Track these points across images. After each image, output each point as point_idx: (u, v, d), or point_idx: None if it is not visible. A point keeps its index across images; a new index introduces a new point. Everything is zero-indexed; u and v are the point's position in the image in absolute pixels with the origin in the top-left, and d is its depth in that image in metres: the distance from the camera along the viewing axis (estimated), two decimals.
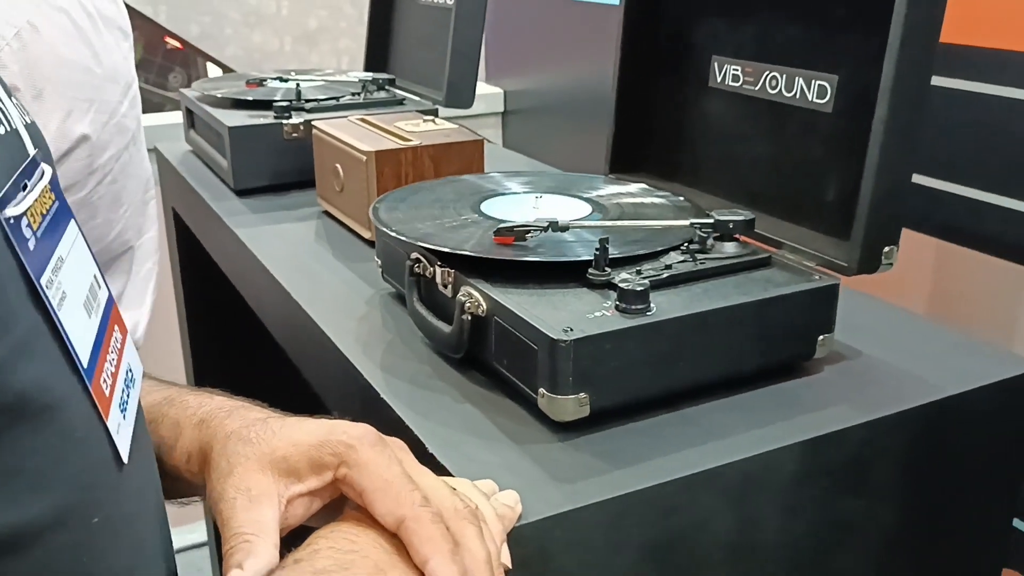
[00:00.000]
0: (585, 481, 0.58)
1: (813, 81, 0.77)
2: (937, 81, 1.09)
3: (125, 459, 0.40)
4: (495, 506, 0.52)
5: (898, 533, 0.72)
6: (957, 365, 0.73)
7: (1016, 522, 1.11)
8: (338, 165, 1.03)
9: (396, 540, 0.46)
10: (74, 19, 0.85)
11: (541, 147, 1.97)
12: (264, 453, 0.49)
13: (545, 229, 0.72)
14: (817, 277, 0.71)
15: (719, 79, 0.87)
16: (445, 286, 0.72)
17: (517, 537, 0.53)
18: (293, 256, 0.98)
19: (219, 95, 1.29)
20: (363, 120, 1.11)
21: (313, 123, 1.11)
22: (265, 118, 1.19)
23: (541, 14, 1.98)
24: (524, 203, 0.83)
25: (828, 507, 0.67)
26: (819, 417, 0.66)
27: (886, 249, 0.71)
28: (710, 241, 0.73)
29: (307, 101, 1.25)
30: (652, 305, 0.64)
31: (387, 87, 1.36)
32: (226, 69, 2.69)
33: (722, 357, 0.67)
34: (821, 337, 0.71)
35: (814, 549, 0.68)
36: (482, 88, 2.12)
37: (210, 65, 2.77)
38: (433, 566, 0.44)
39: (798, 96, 0.79)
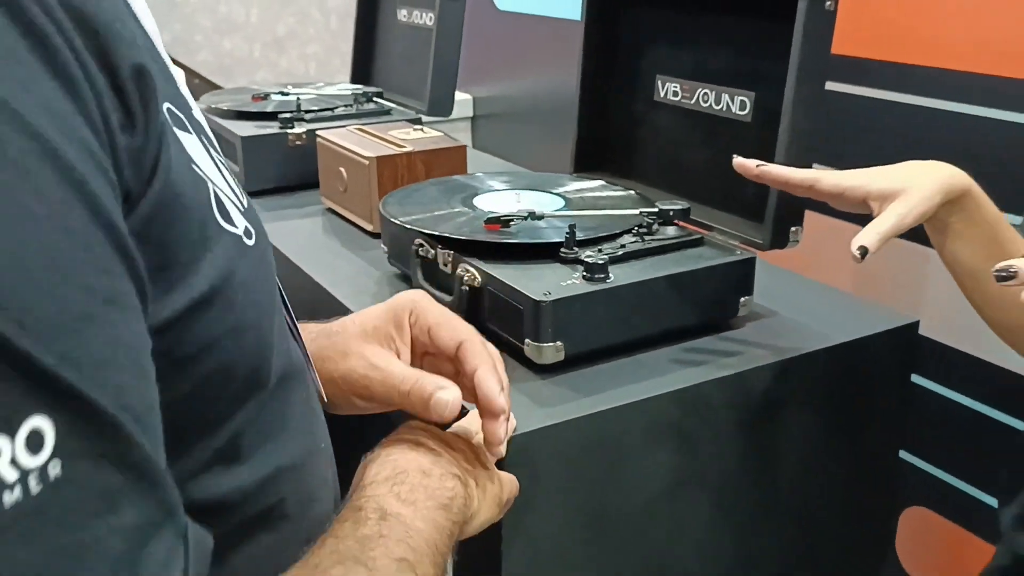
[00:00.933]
0: (561, 406, 0.77)
1: (736, 97, 0.97)
2: (844, 88, 1.29)
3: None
4: (500, 423, 0.70)
5: (807, 459, 0.91)
6: (850, 320, 0.93)
7: (921, 463, 1.31)
8: (342, 169, 1.21)
9: (429, 449, 0.57)
10: None
11: (507, 149, 2.15)
12: (358, 333, 0.60)
13: (525, 218, 0.91)
14: (738, 252, 0.91)
15: (663, 94, 1.06)
16: (445, 264, 0.90)
17: (512, 445, 0.72)
18: (308, 246, 1.15)
19: (224, 107, 1.45)
20: (360, 129, 1.28)
21: (317, 132, 1.28)
22: (271, 128, 1.36)
23: (507, 27, 2.16)
24: (507, 198, 1.02)
25: (746, 431, 0.86)
26: (739, 359, 0.85)
27: (792, 229, 0.91)
28: (655, 226, 0.92)
29: (306, 112, 1.42)
30: (611, 275, 0.83)
31: (375, 99, 1.53)
32: (197, 75, 2.80)
33: (665, 315, 0.86)
34: (743, 299, 0.91)
35: (739, 467, 0.87)
36: (456, 95, 2.29)
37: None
38: (481, 373, 0.58)
39: (724, 109, 0.98)
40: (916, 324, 0.95)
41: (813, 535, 0.96)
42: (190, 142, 0.37)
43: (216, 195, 0.38)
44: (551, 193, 1.04)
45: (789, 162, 0.87)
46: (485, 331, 0.88)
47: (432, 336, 0.60)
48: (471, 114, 2.36)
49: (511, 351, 0.84)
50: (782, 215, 0.90)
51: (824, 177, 0.77)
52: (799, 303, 0.97)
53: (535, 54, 2.07)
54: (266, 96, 1.50)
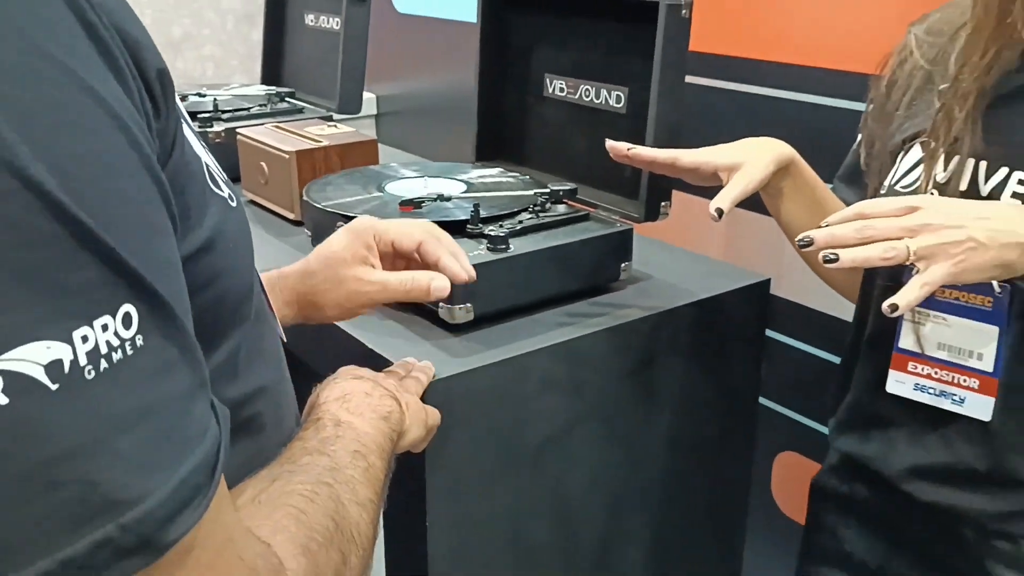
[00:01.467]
0: (471, 357, 0.91)
1: (612, 92, 1.12)
2: (706, 81, 1.47)
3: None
4: (423, 368, 0.84)
5: (679, 400, 1.08)
6: (713, 280, 1.10)
7: (787, 411, 1.50)
8: (263, 163, 1.31)
9: (368, 379, 0.71)
10: None
11: (410, 143, 2.27)
12: (340, 262, 0.77)
13: (435, 200, 1.04)
14: (618, 225, 1.06)
15: (550, 90, 1.21)
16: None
17: (432, 390, 0.85)
18: None
19: None
20: (277, 127, 1.39)
21: (238, 130, 1.38)
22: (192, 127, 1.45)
23: (406, 29, 2.28)
24: (416, 184, 1.15)
25: (627, 376, 1.02)
26: (621, 315, 1.01)
27: (663, 204, 1.07)
28: (548, 204, 1.07)
29: (224, 112, 1.52)
30: (511, 246, 0.97)
31: (287, 99, 1.64)
32: None
33: (558, 279, 1.01)
34: (623, 265, 1.06)
35: (622, 409, 1.03)
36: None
37: None
38: (443, 261, 0.76)
39: (603, 102, 1.14)
40: (767, 282, 1.12)
41: (688, 468, 1.12)
42: (186, 128, 0.49)
43: (207, 167, 0.50)
44: (455, 179, 1.17)
45: (657, 146, 1.03)
46: (403, 303, 1.01)
47: (396, 247, 0.78)
48: (375, 111, 2.47)
49: (428, 315, 0.98)
50: (653, 193, 1.05)
51: (682, 155, 0.92)
52: (671, 268, 1.14)
53: (433, 54, 2.20)
54: (184, 98, 1.59)
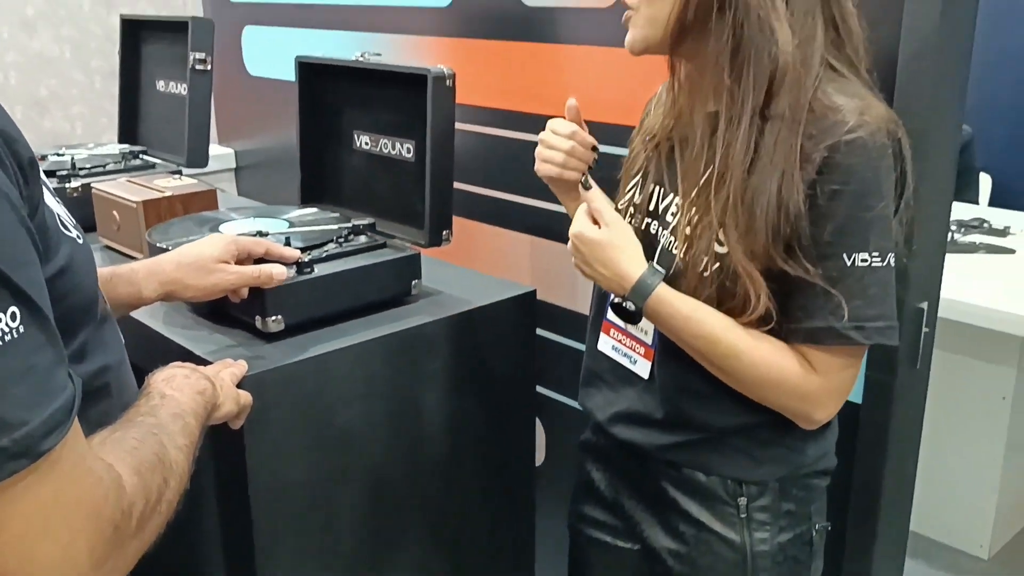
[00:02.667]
0: (280, 357, 1.14)
1: (404, 144, 1.39)
2: (501, 132, 1.76)
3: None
4: (237, 364, 1.07)
5: (465, 390, 1.33)
6: (490, 291, 1.37)
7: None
8: (115, 212, 1.52)
9: (189, 368, 0.95)
10: None
11: (266, 191, 2.49)
12: (211, 257, 1.12)
13: (255, 235, 1.28)
14: (408, 250, 1.32)
15: (358, 144, 1.47)
16: None
17: (247, 382, 1.08)
18: None
19: None
20: (130, 181, 1.60)
21: (93, 185, 1.59)
22: (51, 183, 1.65)
23: (258, 90, 2.51)
24: (246, 224, 1.38)
25: (418, 370, 1.27)
26: (409, 321, 1.26)
27: (444, 232, 1.33)
28: (351, 236, 1.32)
29: (81, 169, 1.72)
30: (315, 269, 1.22)
31: (140, 156, 1.85)
32: None
33: (357, 295, 1.26)
34: (414, 282, 1.32)
35: (413, 396, 1.27)
36: (217, 150, 2.61)
37: None
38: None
39: (398, 153, 1.40)
40: (534, 292, 1.40)
41: (475, 440, 1.38)
42: (45, 191, 0.72)
43: (59, 216, 0.73)
44: (279, 219, 1.41)
45: (433, 189, 1.30)
46: (228, 313, 1.24)
47: (248, 252, 1.15)
48: (234, 165, 2.69)
49: (246, 326, 1.21)
50: (434, 223, 1.32)
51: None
52: (457, 284, 1.40)
53: (282, 112, 2.44)
54: (44, 158, 1.78)
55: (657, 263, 1.04)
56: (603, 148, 1.24)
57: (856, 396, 1.43)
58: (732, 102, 0.96)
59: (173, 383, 0.87)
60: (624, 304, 1.02)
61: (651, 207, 1.11)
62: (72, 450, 0.61)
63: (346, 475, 1.22)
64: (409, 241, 1.34)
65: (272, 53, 2.48)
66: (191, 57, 1.74)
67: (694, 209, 1.00)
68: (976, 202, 3.25)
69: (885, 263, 0.96)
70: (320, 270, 1.22)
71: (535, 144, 1.24)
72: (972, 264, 2.38)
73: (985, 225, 2.59)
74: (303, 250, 1.26)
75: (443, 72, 1.27)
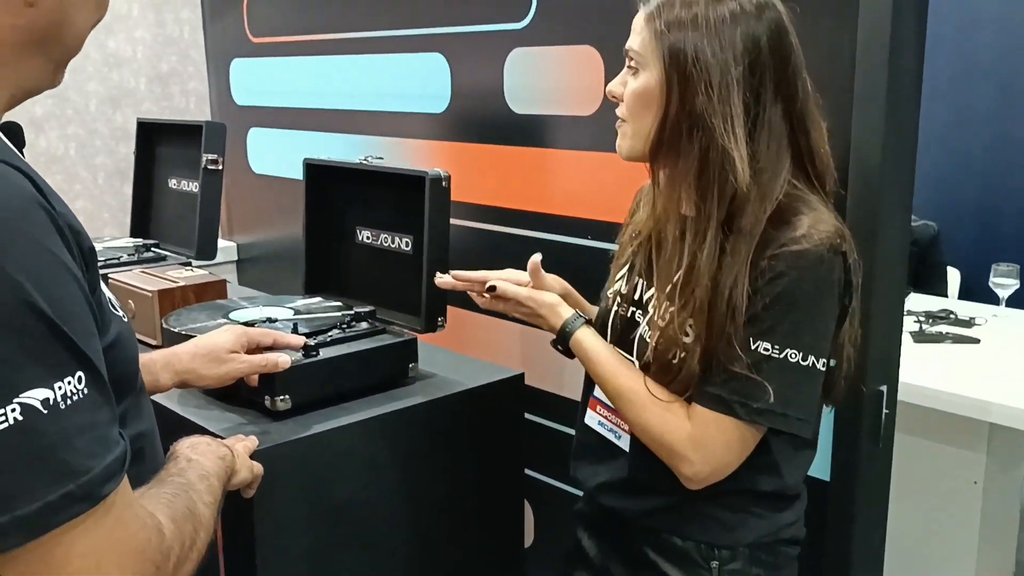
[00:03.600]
0: (288, 433, 1.24)
1: (403, 238, 1.51)
2: (478, 226, 1.89)
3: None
4: (249, 439, 1.16)
5: (460, 466, 1.42)
6: (481, 374, 1.47)
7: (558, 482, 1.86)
8: (131, 301, 1.63)
9: (210, 437, 1.06)
10: None
11: (267, 282, 2.61)
12: (224, 347, 1.20)
13: (264, 322, 1.39)
14: (405, 335, 1.43)
15: (360, 239, 1.59)
16: None
17: (257, 455, 1.17)
18: None
19: None
20: (144, 271, 1.72)
21: (110, 275, 1.70)
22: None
23: (261, 187, 2.66)
24: (254, 312, 1.49)
25: (413, 445, 1.36)
26: (407, 401, 1.36)
27: (439, 319, 1.44)
28: (353, 322, 1.43)
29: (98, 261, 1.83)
30: (320, 353, 1.32)
31: (152, 249, 1.97)
32: None
33: (359, 376, 1.36)
34: (411, 365, 1.42)
35: (409, 469, 1.36)
36: (220, 243, 2.73)
37: None
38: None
39: (397, 247, 1.52)
40: (522, 375, 1.50)
41: (466, 510, 1.46)
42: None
43: (109, 299, 0.84)
44: (285, 307, 1.52)
45: (429, 279, 1.41)
46: (239, 392, 1.34)
47: (259, 342, 1.21)
48: (236, 258, 2.82)
49: (256, 405, 1.30)
50: (431, 310, 1.43)
51: (488, 274, 1.33)
52: (451, 367, 1.51)
53: (283, 207, 2.58)
54: None
55: (637, 349, 1.18)
56: (585, 242, 1.37)
57: (824, 474, 1.53)
58: (698, 215, 1.10)
59: (197, 449, 0.96)
60: (555, 343, 1.25)
61: (635, 297, 1.24)
62: (122, 497, 0.71)
63: (348, 544, 1.30)
64: (407, 327, 1.45)
65: (275, 153, 2.64)
66: (204, 158, 1.87)
67: (665, 305, 1.13)
68: (945, 295, 3.39)
69: (789, 359, 1.07)
70: (325, 353, 1.33)
71: (523, 238, 1.40)
72: (940, 353, 2.50)
73: (952, 316, 2.72)
74: (308, 335, 1.37)
75: (440, 175, 1.41)
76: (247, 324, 1.38)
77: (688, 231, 1.11)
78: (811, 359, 1.08)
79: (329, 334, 1.39)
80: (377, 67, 2.25)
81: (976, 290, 3.46)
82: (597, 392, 1.26)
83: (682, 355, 1.11)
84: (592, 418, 1.28)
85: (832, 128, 1.34)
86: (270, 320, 1.40)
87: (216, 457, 0.97)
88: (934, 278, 3.34)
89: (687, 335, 1.10)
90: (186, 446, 0.97)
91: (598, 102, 1.74)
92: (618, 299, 1.26)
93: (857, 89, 1.36)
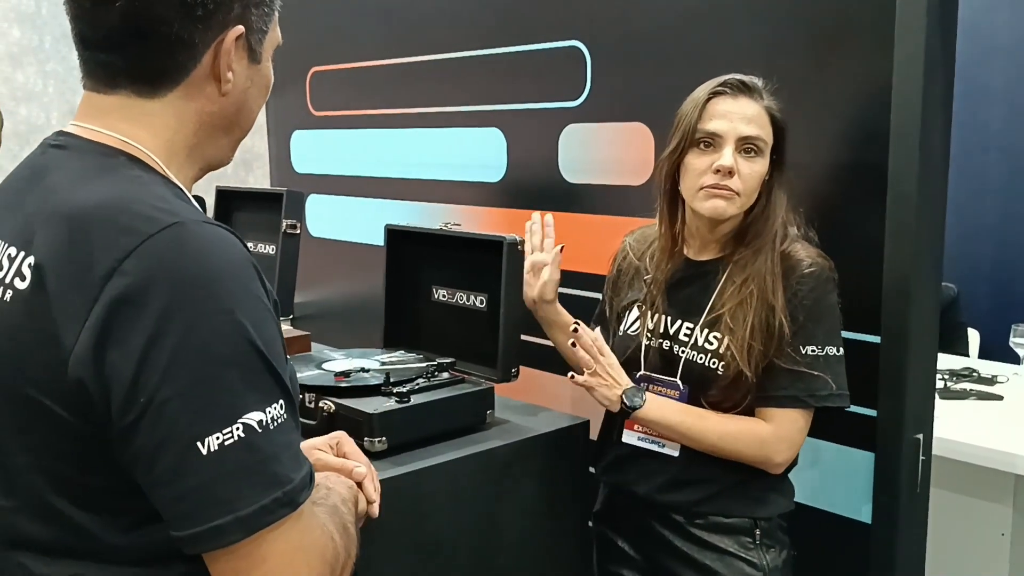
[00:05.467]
0: (389, 470, 1.37)
1: (478, 296, 1.66)
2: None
3: None
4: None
5: (534, 505, 1.55)
6: (550, 421, 1.61)
7: None
8: None
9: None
10: None
11: (322, 337, 2.76)
12: (320, 445, 1.21)
13: (359, 371, 1.53)
14: (483, 384, 1.57)
15: (436, 297, 1.74)
16: (310, 403, 1.50)
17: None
18: None
19: None
20: None
21: None
22: None
23: (317, 249, 2.83)
24: (345, 362, 1.64)
25: (493, 485, 1.49)
26: (487, 444, 1.50)
27: (512, 370, 1.59)
28: (436, 372, 1.57)
29: None
30: (411, 399, 1.46)
31: None
32: None
33: (444, 421, 1.50)
34: (488, 411, 1.56)
35: (490, 508, 1.49)
36: None
37: None
38: (359, 470, 1.18)
39: (472, 304, 1.67)
40: (587, 423, 1.64)
41: (538, 547, 1.58)
42: None
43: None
44: (370, 359, 1.67)
45: (506, 334, 1.56)
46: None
47: (346, 452, 1.23)
48: (291, 315, 2.97)
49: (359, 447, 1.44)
50: (505, 362, 1.58)
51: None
52: (517, 413, 1.64)
53: (339, 268, 2.75)
54: None
55: (683, 372, 1.51)
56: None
57: (866, 517, 1.65)
58: (752, 254, 1.48)
59: (330, 480, 1.10)
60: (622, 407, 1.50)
61: (662, 331, 1.55)
62: (309, 507, 0.85)
63: (441, 570, 1.43)
64: (484, 377, 1.60)
65: (332, 218, 2.81)
66: (284, 223, 2.04)
67: (705, 332, 1.49)
68: (966, 355, 3.51)
69: (830, 353, 1.45)
70: (415, 400, 1.47)
71: (575, 297, 1.69)
72: (965, 409, 2.62)
73: (975, 374, 2.85)
74: (399, 383, 1.51)
75: (515, 239, 1.57)
76: (341, 374, 1.53)
77: (730, 270, 1.49)
78: (840, 348, 1.46)
79: (416, 382, 1.53)
80: (435, 139, 2.43)
81: (995, 350, 3.58)
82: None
83: (745, 369, 1.43)
84: (631, 436, 1.58)
85: (870, 200, 1.51)
86: (363, 370, 1.55)
87: (347, 487, 1.11)
88: (955, 338, 3.47)
89: (745, 352, 1.43)
90: (321, 476, 1.10)
91: (648, 173, 1.91)
92: (647, 334, 1.56)
93: (892, 165, 1.52)
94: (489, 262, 1.62)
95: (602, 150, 2.02)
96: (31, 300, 0.82)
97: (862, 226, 1.57)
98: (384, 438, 1.42)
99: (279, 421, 0.82)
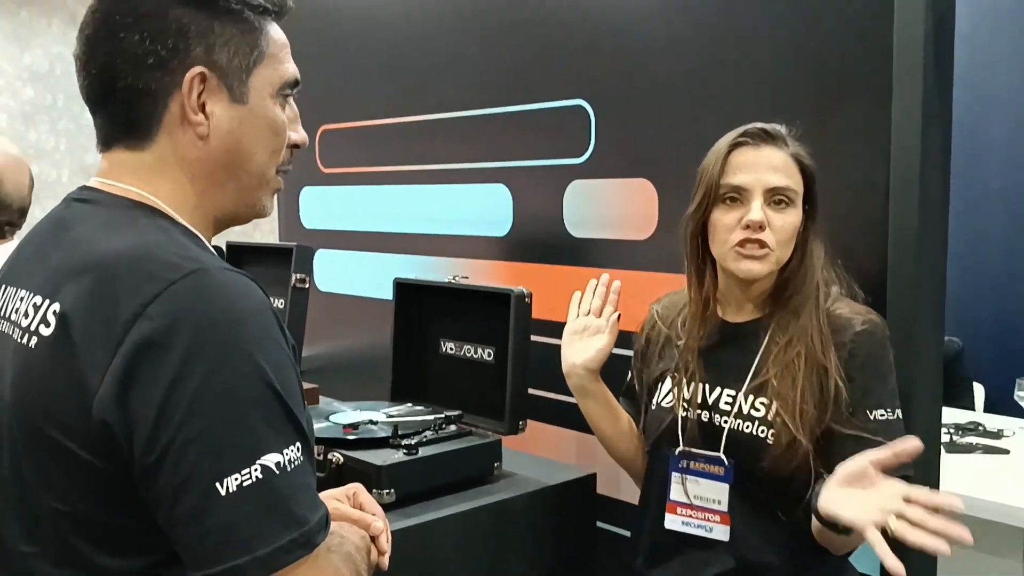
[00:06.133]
0: (398, 522, 1.37)
1: (486, 349, 1.68)
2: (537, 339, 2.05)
3: None
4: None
5: (531, 556, 1.55)
6: (556, 474, 1.61)
7: None
8: None
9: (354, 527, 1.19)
10: None
11: (328, 391, 2.77)
12: (338, 496, 1.20)
13: (367, 423, 1.54)
14: (490, 436, 1.58)
15: (444, 350, 1.76)
16: (319, 455, 1.51)
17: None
18: None
19: None
20: None
21: None
22: None
23: (325, 303, 2.85)
24: (353, 415, 1.65)
25: (498, 536, 1.49)
26: (495, 496, 1.50)
27: (520, 423, 1.60)
28: (443, 425, 1.58)
29: None
30: (419, 451, 1.47)
31: None
32: None
33: (452, 472, 1.51)
34: (496, 464, 1.57)
35: (494, 556, 1.49)
36: None
37: None
38: (378, 523, 1.18)
39: (480, 357, 1.69)
40: (594, 476, 1.64)
41: None
42: None
43: None
44: (378, 412, 1.68)
45: (514, 386, 1.57)
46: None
47: (362, 503, 1.22)
48: (299, 368, 2.98)
49: None
50: (513, 416, 1.59)
51: None
52: (526, 466, 1.65)
53: (346, 321, 2.77)
54: None
55: (725, 449, 1.37)
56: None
57: (874, 571, 1.64)
58: (793, 313, 1.37)
59: (344, 528, 1.11)
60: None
61: (700, 400, 1.42)
62: (324, 550, 0.86)
63: None
64: (491, 429, 1.61)
65: (339, 272, 2.84)
66: (293, 277, 2.07)
67: (751, 399, 1.37)
68: (972, 408, 3.51)
69: (898, 417, 1.33)
70: (423, 452, 1.48)
71: None
72: (971, 463, 2.61)
73: (980, 428, 2.84)
74: (406, 435, 1.52)
75: (523, 292, 1.59)
76: (350, 426, 1.54)
77: (772, 331, 1.38)
78: (899, 411, 1.35)
79: (424, 435, 1.54)
80: (441, 195, 2.47)
81: (1000, 403, 3.58)
82: (674, 495, 1.41)
83: (799, 436, 1.30)
84: (674, 521, 1.42)
85: (869, 253, 1.53)
86: (372, 422, 1.56)
87: (359, 536, 1.11)
88: (960, 392, 3.47)
89: (798, 417, 1.31)
90: (335, 525, 1.11)
91: (653, 227, 1.93)
92: (683, 405, 1.42)
93: (892, 219, 1.55)
94: (497, 315, 1.64)
95: (607, 205, 2.05)
96: (56, 345, 0.85)
97: (862, 278, 1.59)
98: (392, 490, 1.42)
99: (296, 463, 0.83)
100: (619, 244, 2.03)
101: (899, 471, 1.22)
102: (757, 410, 1.36)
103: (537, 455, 1.75)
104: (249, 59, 0.94)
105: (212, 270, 0.85)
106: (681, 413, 1.42)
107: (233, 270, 0.88)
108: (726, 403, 1.40)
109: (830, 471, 1.26)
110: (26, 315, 0.90)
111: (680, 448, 1.42)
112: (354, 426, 1.54)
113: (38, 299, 0.89)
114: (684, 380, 1.43)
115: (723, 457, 1.38)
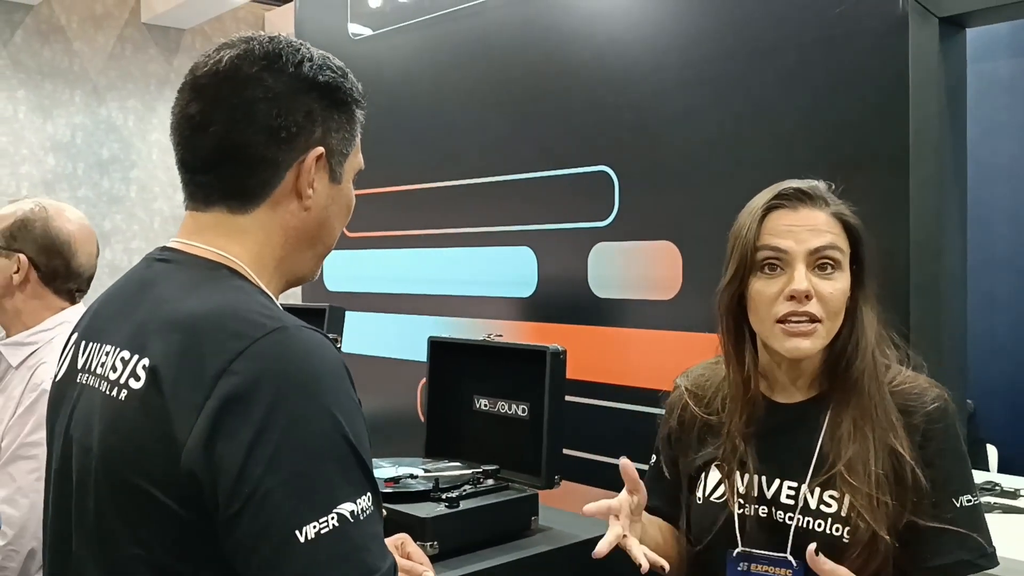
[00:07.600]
0: (443, 574, 1.41)
1: (520, 405, 1.73)
2: (587, 400, 2.10)
3: None
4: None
5: None
6: (588, 528, 1.65)
7: None
8: None
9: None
10: None
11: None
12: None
13: (407, 477, 1.59)
14: (527, 491, 1.62)
15: (478, 406, 1.81)
16: None
17: None
18: None
19: None
20: None
21: None
22: None
23: (362, 364, 2.90)
24: (391, 470, 1.69)
25: None
26: (533, 549, 1.54)
27: (556, 477, 1.64)
28: (481, 479, 1.63)
29: None
30: (460, 504, 1.51)
31: None
32: None
33: (492, 525, 1.54)
34: (533, 517, 1.61)
35: None
36: None
37: None
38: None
39: (514, 413, 1.74)
40: None
41: None
42: None
43: None
44: (416, 468, 1.72)
45: (550, 442, 1.62)
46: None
47: (410, 552, 1.28)
48: None
49: None
50: (549, 470, 1.63)
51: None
52: (565, 521, 1.68)
53: (368, 382, 2.82)
54: None
55: (792, 549, 1.23)
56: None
57: None
58: (858, 394, 1.23)
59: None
60: None
61: (756, 495, 1.27)
62: None
63: None
64: (527, 484, 1.65)
65: (363, 333, 2.90)
66: None
67: (835, 494, 1.21)
68: (987, 469, 3.53)
69: (981, 501, 1.23)
70: (463, 505, 1.52)
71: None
72: (990, 523, 2.62)
73: (997, 488, 2.87)
74: (447, 489, 1.57)
75: (558, 349, 1.65)
76: (391, 480, 1.58)
77: (831, 413, 1.24)
78: (978, 494, 1.24)
79: (464, 488, 1.59)
80: (467, 258, 2.55)
81: (1012, 464, 3.60)
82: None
83: (880, 531, 1.17)
84: None
85: (893, 311, 1.59)
86: (412, 476, 1.60)
87: None
88: (975, 453, 3.49)
89: (875, 510, 1.18)
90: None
91: (677, 287, 2.00)
92: (738, 501, 1.27)
93: (913, 279, 1.61)
94: (530, 372, 1.69)
95: (631, 267, 2.12)
96: (146, 398, 0.90)
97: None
98: (436, 542, 1.46)
99: (367, 512, 0.88)
100: (644, 304, 2.09)
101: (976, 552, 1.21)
102: (827, 504, 1.22)
103: (574, 510, 1.79)
104: (349, 145, 1.05)
105: (291, 328, 0.91)
106: (737, 510, 1.28)
107: (310, 328, 0.94)
108: (788, 497, 1.25)
109: (917, 570, 1.20)
110: (114, 369, 0.95)
111: (739, 549, 1.27)
112: (395, 480, 1.58)
113: (126, 354, 0.94)
114: (737, 471, 1.28)
115: (790, 559, 1.23)
